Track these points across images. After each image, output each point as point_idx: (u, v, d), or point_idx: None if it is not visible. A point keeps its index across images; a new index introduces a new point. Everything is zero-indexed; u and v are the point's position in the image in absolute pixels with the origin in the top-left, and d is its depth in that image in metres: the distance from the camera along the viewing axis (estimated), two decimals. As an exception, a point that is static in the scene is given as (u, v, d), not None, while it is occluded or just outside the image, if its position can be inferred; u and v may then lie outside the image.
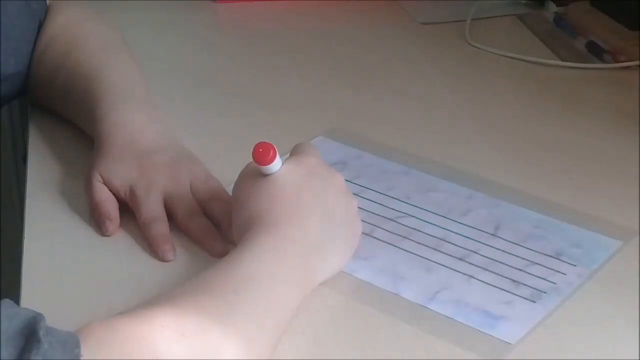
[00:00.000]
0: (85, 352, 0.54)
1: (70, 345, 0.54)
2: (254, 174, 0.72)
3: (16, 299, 0.70)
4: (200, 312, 0.60)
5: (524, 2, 1.33)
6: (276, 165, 0.71)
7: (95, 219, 0.79)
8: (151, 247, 0.76)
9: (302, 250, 0.69)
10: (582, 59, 1.15)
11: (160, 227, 0.77)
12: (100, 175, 0.81)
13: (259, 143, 0.71)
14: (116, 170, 0.81)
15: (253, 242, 0.68)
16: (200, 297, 0.62)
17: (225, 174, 0.83)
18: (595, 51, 1.16)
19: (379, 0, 1.33)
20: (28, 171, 0.88)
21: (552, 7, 1.30)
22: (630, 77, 1.11)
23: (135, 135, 0.83)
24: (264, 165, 0.71)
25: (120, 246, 0.77)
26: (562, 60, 1.15)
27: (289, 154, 0.76)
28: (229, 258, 0.67)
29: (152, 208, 0.78)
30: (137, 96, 0.88)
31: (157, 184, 0.79)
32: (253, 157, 0.70)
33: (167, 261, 0.75)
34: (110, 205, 0.79)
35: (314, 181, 0.72)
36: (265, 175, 0.72)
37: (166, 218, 0.78)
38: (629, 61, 1.13)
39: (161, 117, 0.88)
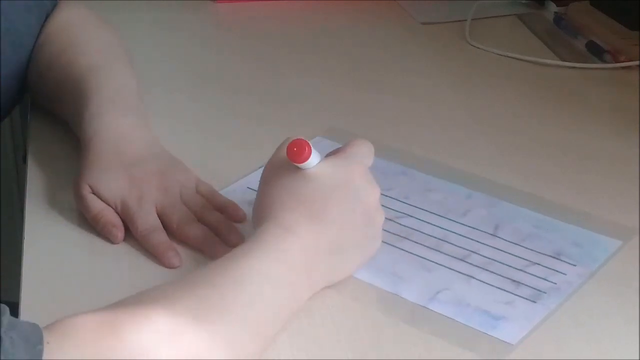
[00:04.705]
0: (67, 343, 0.53)
1: (33, 341, 0.52)
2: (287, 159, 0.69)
3: (16, 298, 0.70)
4: (187, 302, 0.60)
5: (524, 2, 1.33)
6: (312, 161, 0.68)
7: (100, 230, 0.78)
8: (155, 256, 0.75)
9: (309, 259, 0.68)
10: (582, 59, 1.15)
11: (160, 236, 0.76)
12: (90, 186, 0.79)
13: (293, 141, 0.67)
14: (105, 181, 0.79)
15: (263, 239, 0.67)
16: (195, 289, 0.62)
17: (224, 174, 0.83)
18: (595, 51, 1.16)
19: (379, 0, 1.33)
20: (28, 171, 0.88)
21: (552, 7, 1.30)
22: (630, 77, 1.11)
23: (121, 143, 0.81)
24: (299, 163, 0.68)
25: (119, 246, 0.77)
26: (562, 60, 1.15)
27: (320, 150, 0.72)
28: (234, 253, 0.66)
29: (147, 219, 0.77)
30: (125, 101, 0.86)
31: (149, 194, 0.78)
32: (287, 156, 0.68)
33: (174, 267, 0.74)
34: (110, 213, 0.78)
35: (347, 191, 0.69)
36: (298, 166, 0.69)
37: (162, 227, 0.77)
38: (629, 61, 1.13)
39: (148, 123, 0.86)
